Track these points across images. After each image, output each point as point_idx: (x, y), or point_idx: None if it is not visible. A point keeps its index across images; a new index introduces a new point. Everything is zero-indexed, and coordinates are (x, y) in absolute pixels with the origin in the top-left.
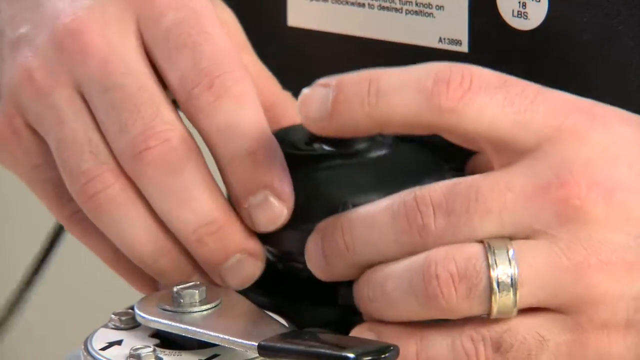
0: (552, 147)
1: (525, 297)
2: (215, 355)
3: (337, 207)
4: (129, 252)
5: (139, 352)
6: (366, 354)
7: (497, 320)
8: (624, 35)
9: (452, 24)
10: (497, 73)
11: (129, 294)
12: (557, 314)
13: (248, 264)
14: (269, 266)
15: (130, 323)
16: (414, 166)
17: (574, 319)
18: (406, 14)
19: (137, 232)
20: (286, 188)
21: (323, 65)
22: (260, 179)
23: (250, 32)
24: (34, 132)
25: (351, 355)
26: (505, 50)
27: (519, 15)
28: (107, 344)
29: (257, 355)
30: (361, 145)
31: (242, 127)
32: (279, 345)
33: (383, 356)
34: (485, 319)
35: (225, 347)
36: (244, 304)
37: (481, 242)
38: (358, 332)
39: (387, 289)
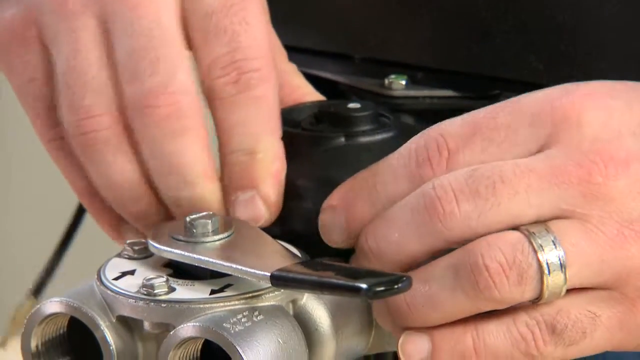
0: (556, 141)
1: (573, 276)
2: (228, 285)
3: None
4: (107, 193)
5: (151, 281)
6: (379, 284)
7: (547, 304)
8: None
9: None
10: (463, 118)
11: None
12: (603, 290)
13: None
14: None
15: (143, 253)
16: None
17: (620, 291)
18: None
19: (120, 177)
20: (274, 195)
21: None
22: (252, 179)
23: None
24: (45, 46)
25: (364, 286)
26: None
27: None
28: (120, 274)
29: (270, 285)
30: (366, 127)
31: (252, 128)
32: (291, 275)
33: (396, 286)
34: (535, 304)
35: (237, 277)
36: (257, 234)
37: (516, 228)
38: (407, 342)
39: (431, 291)
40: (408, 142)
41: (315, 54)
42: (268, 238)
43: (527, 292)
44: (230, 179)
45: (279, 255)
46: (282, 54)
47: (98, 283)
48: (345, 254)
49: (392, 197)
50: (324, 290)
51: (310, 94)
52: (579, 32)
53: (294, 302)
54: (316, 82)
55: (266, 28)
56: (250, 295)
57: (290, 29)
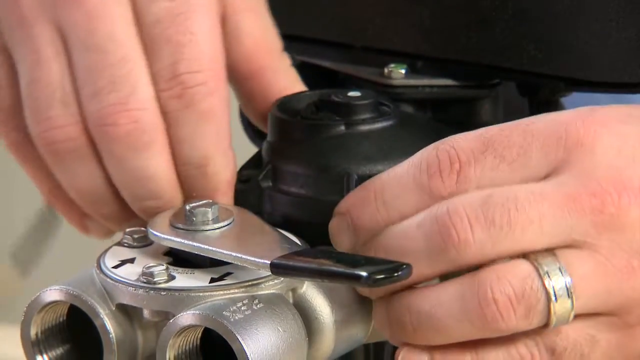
0: (569, 166)
1: (580, 306)
2: (228, 274)
3: (342, 176)
4: (75, 196)
5: (151, 269)
6: (379, 272)
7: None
8: None
9: None
10: (476, 133)
11: None
12: (605, 316)
13: None
14: None
15: (143, 241)
16: (419, 137)
17: (622, 318)
18: None
19: (87, 184)
20: (228, 203)
21: None
22: (205, 190)
23: None
24: (7, 52)
25: (364, 274)
26: None
27: None
28: (119, 262)
29: (270, 273)
30: (366, 115)
31: (200, 143)
32: (291, 263)
33: (396, 274)
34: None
35: (237, 265)
36: (257, 222)
37: (524, 256)
38: (407, 357)
39: (437, 316)
40: (419, 152)
41: (315, 43)
42: (268, 226)
43: (534, 324)
44: (186, 190)
45: (279, 243)
46: (275, 49)
47: (98, 271)
48: None
49: (401, 208)
50: (323, 278)
51: None
52: (578, 21)
53: (293, 290)
54: (316, 71)
55: (214, 37)
56: (250, 283)
57: (290, 18)
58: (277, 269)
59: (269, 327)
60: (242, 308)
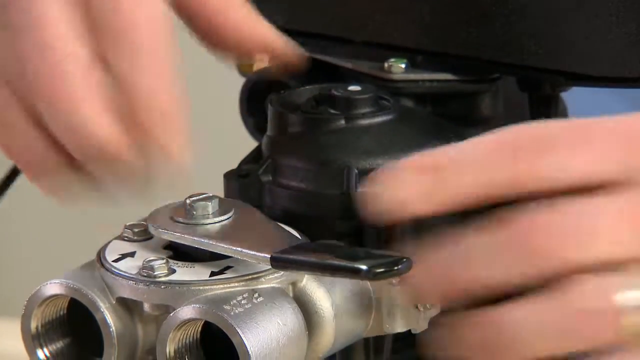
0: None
1: None
2: (228, 267)
3: (342, 170)
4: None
5: (151, 263)
6: (379, 265)
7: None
8: None
9: None
10: (565, 122)
11: None
12: None
13: None
14: None
15: (143, 235)
16: (419, 131)
17: None
18: None
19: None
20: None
21: None
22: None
23: None
24: None
25: (364, 267)
26: None
27: None
28: (120, 256)
29: (270, 266)
30: (366, 109)
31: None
32: (291, 257)
33: (396, 268)
34: None
35: (237, 259)
36: (257, 216)
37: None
38: None
39: (522, 334)
40: (492, 134)
41: (315, 37)
42: (268, 220)
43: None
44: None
45: (279, 237)
46: None
47: (98, 265)
48: (346, 236)
49: (465, 187)
50: (324, 272)
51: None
52: (578, 16)
53: (293, 284)
54: (316, 65)
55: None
56: (250, 277)
57: (290, 13)
58: (277, 262)
59: (269, 321)
60: (242, 302)
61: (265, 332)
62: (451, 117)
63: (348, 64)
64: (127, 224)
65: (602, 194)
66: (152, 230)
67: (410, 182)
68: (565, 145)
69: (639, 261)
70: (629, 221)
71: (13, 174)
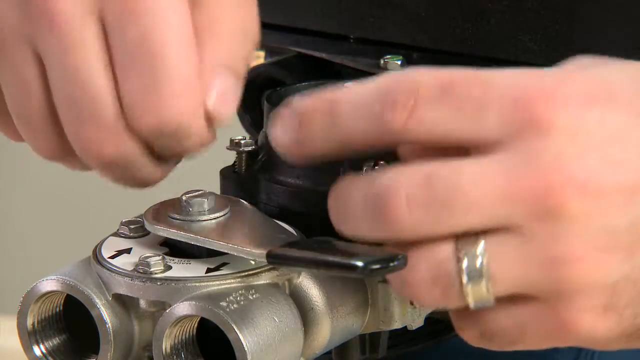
0: (518, 143)
1: (502, 291)
2: (224, 264)
3: (337, 166)
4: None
5: (148, 260)
6: (375, 262)
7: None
8: None
9: None
10: (441, 73)
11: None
12: (537, 302)
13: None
14: None
15: (139, 231)
16: None
17: (552, 306)
18: None
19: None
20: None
21: None
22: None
23: None
24: None
25: (360, 263)
26: None
27: None
28: (116, 252)
29: (266, 263)
30: None
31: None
32: (287, 253)
33: (392, 264)
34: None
35: (233, 255)
36: (253, 212)
37: (452, 237)
38: None
39: None
40: (380, 77)
41: (311, 34)
42: (264, 217)
43: (454, 304)
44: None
45: (275, 233)
46: None
47: (94, 261)
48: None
49: (349, 131)
50: (319, 268)
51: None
52: (574, 12)
53: (289, 280)
54: (312, 62)
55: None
56: (246, 273)
57: (285, 9)
58: (273, 259)
59: (265, 317)
60: (238, 298)
61: (261, 328)
62: None
63: (344, 61)
64: (123, 220)
65: (475, 156)
66: (148, 226)
67: (309, 122)
68: (453, 100)
69: (499, 230)
70: (498, 193)
71: None
